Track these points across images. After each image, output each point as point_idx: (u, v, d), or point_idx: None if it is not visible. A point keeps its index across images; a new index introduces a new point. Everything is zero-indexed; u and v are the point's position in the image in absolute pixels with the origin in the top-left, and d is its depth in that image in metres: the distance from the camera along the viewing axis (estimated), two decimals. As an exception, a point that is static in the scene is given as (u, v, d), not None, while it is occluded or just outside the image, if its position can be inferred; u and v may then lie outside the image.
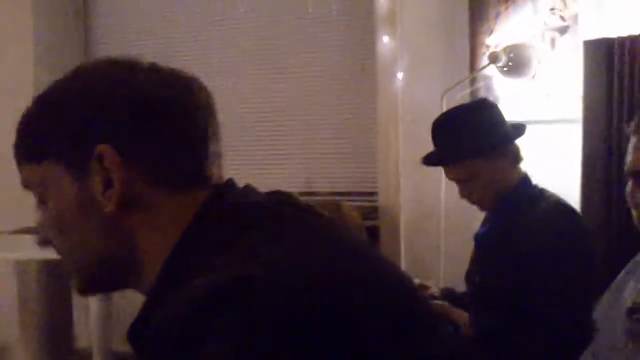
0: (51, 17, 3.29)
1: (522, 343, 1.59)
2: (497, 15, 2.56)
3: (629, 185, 1.24)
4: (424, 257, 2.71)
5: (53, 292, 3.00)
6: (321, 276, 0.60)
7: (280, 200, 0.73)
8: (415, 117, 2.69)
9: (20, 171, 0.76)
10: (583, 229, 1.72)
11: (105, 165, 0.69)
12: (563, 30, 2.45)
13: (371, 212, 2.86)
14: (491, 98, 2.30)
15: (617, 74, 2.22)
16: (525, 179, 1.80)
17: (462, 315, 1.82)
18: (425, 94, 2.65)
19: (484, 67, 2.52)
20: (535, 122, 2.26)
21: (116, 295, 2.70)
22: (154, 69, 0.74)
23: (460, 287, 1.98)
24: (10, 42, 3.21)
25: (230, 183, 0.74)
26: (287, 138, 3.10)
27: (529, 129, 1.86)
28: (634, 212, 1.22)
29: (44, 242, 0.77)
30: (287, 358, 0.54)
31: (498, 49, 2.50)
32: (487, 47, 2.57)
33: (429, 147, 1.87)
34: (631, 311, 1.21)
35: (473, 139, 1.75)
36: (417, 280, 2.03)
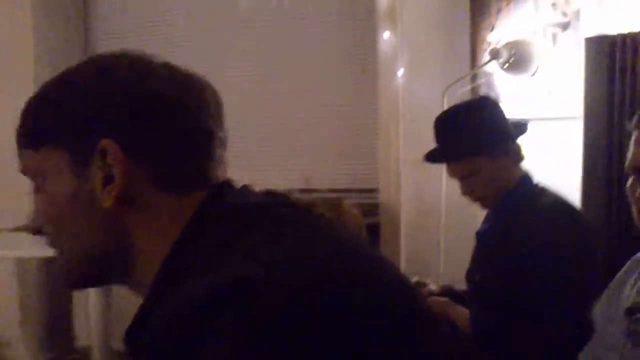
0: (51, 18, 3.29)
1: (521, 342, 1.59)
2: (499, 11, 2.56)
3: (630, 180, 1.23)
4: (424, 254, 2.71)
5: (53, 289, 3.00)
6: (321, 276, 0.60)
7: (277, 200, 0.73)
8: (416, 114, 2.68)
9: (20, 156, 0.75)
10: (584, 228, 1.71)
11: (108, 160, 0.68)
12: (564, 27, 2.44)
13: (372, 210, 2.86)
14: (492, 95, 2.29)
15: (618, 71, 2.21)
16: (526, 177, 1.80)
17: (462, 313, 1.82)
18: (426, 91, 2.65)
19: (485, 64, 2.51)
20: (536, 119, 2.25)
21: (116, 293, 2.70)
22: (167, 68, 0.73)
23: (460, 284, 1.97)
24: (10, 43, 3.20)
25: (228, 183, 0.74)
26: (288, 136, 3.10)
27: (529, 126, 1.86)
28: (634, 209, 1.21)
29: (35, 231, 0.76)
30: (287, 358, 0.54)
31: (499, 46, 2.49)
32: (489, 43, 2.57)
33: (430, 145, 1.87)
34: (630, 311, 1.20)
35: (475, 136, 1.75)
36: (415, 278, 2.03)
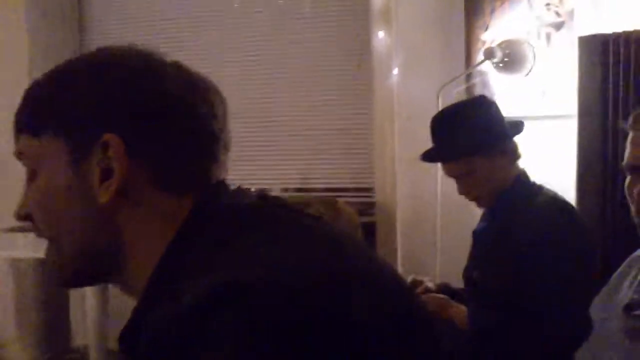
0: (46, 19, 3.27)
1: (520, 340, 1.60)
2: (493, 10, 2.57)
3: (628, 180, 1.24)
4: (420, 253, 2.71)
5: (49, 289, 2.99)
6: (320, 277, 0.60)
7: (270, 202, 0.73)
8: (411, 113, 2.69)
9: (17, 140, 0.72)
10: (580, 226, 1.72)
11: (109, 155, 0.67)
12: (558, 26, 2.46)
13: (367, 209, 2.87)
14: (487, 94, 2.30)
15: (612, 70, 2.23)
16: (523, 176, 1.80)
17: (460, 310, 1.82)
18: (421, 90, 2.66)
19: (480, 63, 2.52)
20: (531, 118, 2.26)
21: (113, 293, 2.70)
22: (175, 67, 0.72)
23: (457, 283, 1.98)
24: (5, 45, 3.19)
25: (222, 184, 0.73)
26: (283, 135, 3.10)
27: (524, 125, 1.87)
28: (632, 208, 1.22)
29: (21, 217, 0.74)
30: (287, 358, 0.54)
31: (493, 45, 2.50)
32: (483, 42, 2.58)
33: (425, 143, 1.87)
34: (629, 307, 1.21)
35: (471, 136, 1.75)
36: (412, 276, 2.04)
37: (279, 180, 3.07)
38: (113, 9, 3.32)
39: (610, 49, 2.23)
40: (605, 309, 1.29)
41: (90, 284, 0.79)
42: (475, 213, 1.94)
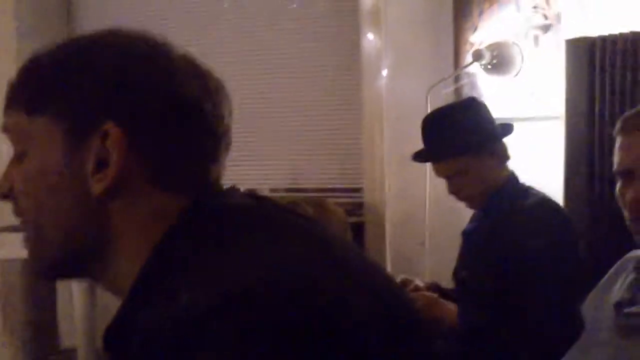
0: (35, 22, 3.24)
1: (509, 339, 1.61)
2: (481, 13, 2.58)
3: (618, 185, 1.25)
4: (409, 253, 2.72)
5: (37, 291, 2.97)
6: (319, 277, 0.59)
7: (262, 202, 0.72)
8: (400, 114, 2.70)
9: (7, 115, 0.68)
10: (569, 227, 1.74)
11: (107, 145, 0.64)
12: (546, 29, 2.48)
13: (356, 209, 2.87)
14: (475, 95, 2.32)
15: (598, 73, 2.25)
16: (512, 177, 1.82)
17: (450, 309, 1.83)
18: (410, 91, 2.67)
19: (468, 65, 2.54)
20: (519, 119, 2.28)
21: (101, 293, 2.69)
22: (186, 60, 0.70)
23: (446, 283, 1.99)
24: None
25: (218, 184, 0.72)
26: (273, 135, 3.10)
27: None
28: (625, 212, 1.23)
29: (0, 197, 0.70)
30: (287, 359, 0.53)
31: (482, 47, 2.52)
32: (472, 44, 2.59)
33: (414, 144, 1.89)
34: (619, 304, 1.22)
35: (461, 136, 1.77)
36: (402, 276, 2.05)
37: (268, 180, 3.08)
38: (102, 12, 3.29)
39: (597, 51, 2.25)
40: (597, 307, 1.30)
41: (67, 277, 0.75)
42: (464, 214, 1.95)
